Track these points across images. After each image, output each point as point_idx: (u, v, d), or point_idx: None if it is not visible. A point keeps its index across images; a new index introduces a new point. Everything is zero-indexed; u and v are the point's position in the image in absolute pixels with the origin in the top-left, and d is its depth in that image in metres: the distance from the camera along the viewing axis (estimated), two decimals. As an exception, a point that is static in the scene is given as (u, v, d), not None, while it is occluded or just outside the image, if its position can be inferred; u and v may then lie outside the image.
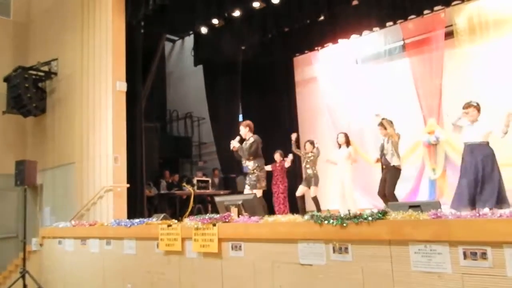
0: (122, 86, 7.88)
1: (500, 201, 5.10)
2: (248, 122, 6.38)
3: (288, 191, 8.18)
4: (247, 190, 6.11)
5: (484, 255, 2.42)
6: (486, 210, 2.68)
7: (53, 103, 9.21)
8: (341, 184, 7.19)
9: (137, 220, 5.05)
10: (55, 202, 8.84)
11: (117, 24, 8.00)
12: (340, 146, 7.29)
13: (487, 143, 5.40)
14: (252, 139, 6.13)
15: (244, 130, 6.24)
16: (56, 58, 9.13)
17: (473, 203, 5.10)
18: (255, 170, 6.07)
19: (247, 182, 6.18)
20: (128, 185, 7.62)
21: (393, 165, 6.37)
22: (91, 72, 8.24)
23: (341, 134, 7.38)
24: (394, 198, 6.31)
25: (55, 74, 9.14)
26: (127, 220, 5.46)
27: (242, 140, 6.24)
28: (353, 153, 7.21)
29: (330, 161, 7.52)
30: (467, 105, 5.57)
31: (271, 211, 7.63)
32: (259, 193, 5.98)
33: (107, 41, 7.96)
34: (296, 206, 7.68)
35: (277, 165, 8.09)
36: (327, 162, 7.66)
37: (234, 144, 6.19)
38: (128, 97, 7.99)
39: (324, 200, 7.93)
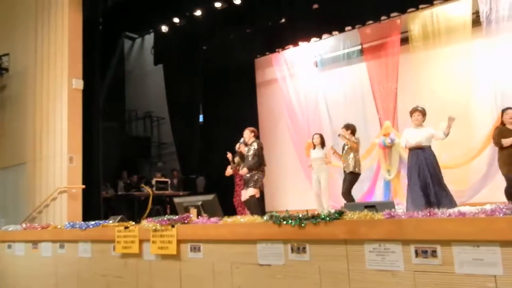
0: (79, 83, 7.65)
1: (444, 202, 5.37)
2: (253, 128, 6.79)
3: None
4: (248, 191, 6.46)
5: (434, 253, 2.51)
6: (437, 210, 2.79)
7: (4, 101, 8.79)
8: (317, 184, 7.29)
9: (92, 222, 4.91)
10: (4, 204, 8.44)
11: (74, 20, 7.74)
12: (315, 146, 7.39)
13: (429, 146, 5.68)
14: (255, 145, 6.50)
15: (249, 135, 6.62)
16: (7, 54, 8.72)
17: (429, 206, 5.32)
18: (255, 173, 6.41)
19: (247, 183, 6.52)
20: (84, 186, 7.40)
21: (351, 171, 6.64)
22: (46, 68, 7.93)
23: (316, 135, 7.48)
24: (349, 199, 6.55)
25: (6, 70, 8.72)
26: (82, 222, 5.29)
27: (245, 143, 6.70)
28: (329, 154, 7.32)
29: (310, 166, 7.57)
30: (414, 110, 5.86)
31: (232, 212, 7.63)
32: (257, 193, 6.45)
33: (63, 37, 7.68)
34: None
35: (237, 167, 8.08)
36: (309, 168, 7.71)
37: (239, 146, 6.73)
38: (85, 95, 7.76)
39: (300, 200, 7.97)
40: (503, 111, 5.86)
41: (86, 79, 7.78)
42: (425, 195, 5.51)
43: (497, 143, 5.68)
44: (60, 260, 5.11)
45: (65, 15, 7.69)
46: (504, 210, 2.38)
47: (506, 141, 5.54)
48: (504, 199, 5.54)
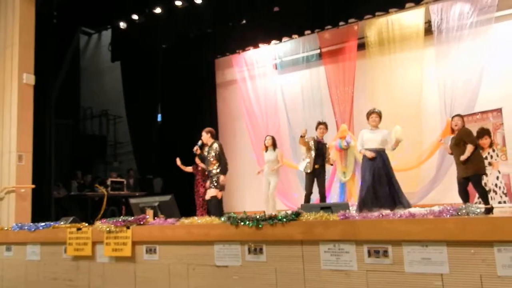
0: (30, 79, 7.31)
1: (400, 202, 5.56)
2: (210, 129, 6.78)
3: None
4: (210, 191, 6.44)
5: (385, 253, 2.60)
6: (388, 211, 2.89)
7: None
8: (268, 186, 7.34)
9: (42, 224, 4.72)
10: None
11: (26, 11, 7.39)
12: (267, 148, 7.42)
13: (384, 149, 5.88)
14: (215, 145, 6.51)
15: (206, 136, 6.63)
16: (-49, 45, 8.22)
17: (376, 206, 5.47)
18: (218, 173, 6.39)
19: (209, 183, 6.51)
20: (33, 186, 7.09)
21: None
22: (-6, 62, 7.54)
23: (268, 136, 7.53)
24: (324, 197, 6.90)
25: (-50, 62, 8.22)
26: (31, 223, 5.08)
27: (203, 145, 6.70)
28: (280, 156, 7.37)
29: (260, 172, 7.62)
30: (371, 112, 6.03)
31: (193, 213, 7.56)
32: (220, 195, 6.47)
33: (13, 29, 7.31)
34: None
35: (198, 167, 8.02)
36: (257, 174, 7.78)
37: (197, 148, 6.71)
38: (37, 91, 7.42)
39: (258, 202, 7.99)
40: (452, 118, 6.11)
41: (38, 74, 7.44)
42: (376, 196, 5.67)
43: (473, 141, 5.74)
44: (6, 263, 4.88)
45: (16, 6, 7.32)
46: (450, 211, 2.51)
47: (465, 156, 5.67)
48: (450, 200, 5.81)
